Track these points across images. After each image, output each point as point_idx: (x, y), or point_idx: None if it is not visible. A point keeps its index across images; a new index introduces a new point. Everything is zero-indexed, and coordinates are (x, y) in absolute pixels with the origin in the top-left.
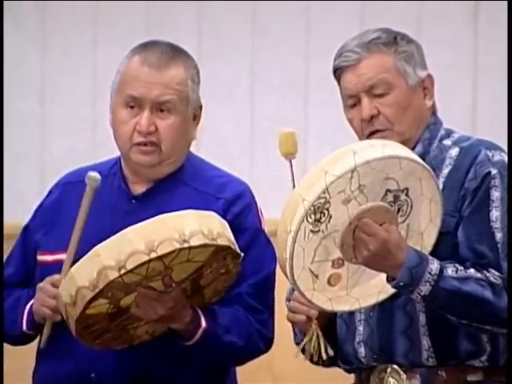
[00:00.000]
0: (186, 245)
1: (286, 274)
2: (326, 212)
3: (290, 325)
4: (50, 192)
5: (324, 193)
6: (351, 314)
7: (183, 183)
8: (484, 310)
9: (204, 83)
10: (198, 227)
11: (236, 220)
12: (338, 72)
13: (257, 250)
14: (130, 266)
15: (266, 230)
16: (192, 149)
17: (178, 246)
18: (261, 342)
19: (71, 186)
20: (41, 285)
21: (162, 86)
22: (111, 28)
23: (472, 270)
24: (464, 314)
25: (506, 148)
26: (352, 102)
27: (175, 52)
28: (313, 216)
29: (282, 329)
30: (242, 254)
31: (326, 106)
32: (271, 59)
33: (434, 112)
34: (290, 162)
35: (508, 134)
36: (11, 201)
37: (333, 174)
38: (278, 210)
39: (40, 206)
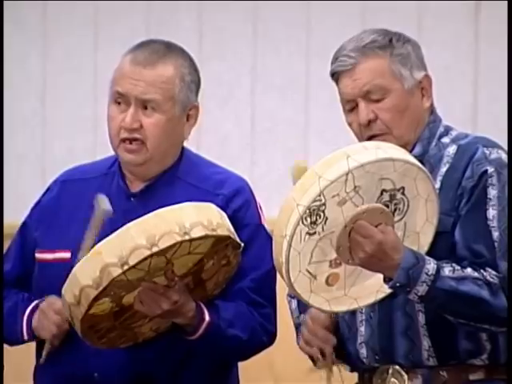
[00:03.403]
0: (186, 237)
1: (282, 277)
2: (321, 214)
3: (291, 325)
4: (48, 189)
5: (319, 196)
6: (353, 315)
7: (181, 180)
8: (481, 309)
9: (205, 83)
10: (197, 219)
11: (235, 216)
12: (335, 76)
13: (257, 245)
14: (132, 262)
15: (266, 226)
16: (192, 148)
17: (179, 238)
18: (264, 335)
19: (69, 184)
20: (44, 308)
21: (146, 83)
22: (112, 28)
23: (469, 270)
24: (461, 314)
25: (506, 147)
26: (350, 106)
27: (167, 50)
28: (308, 219)
29: (284, 329)
30: (242, 244)
31: (327, 106)
32: (272, 59)
33: (432, 110)
34: None
35: (508, 133)
36: (12, 201)
37: (326, 179)
38: (278, 210)
39: (37, 204)
